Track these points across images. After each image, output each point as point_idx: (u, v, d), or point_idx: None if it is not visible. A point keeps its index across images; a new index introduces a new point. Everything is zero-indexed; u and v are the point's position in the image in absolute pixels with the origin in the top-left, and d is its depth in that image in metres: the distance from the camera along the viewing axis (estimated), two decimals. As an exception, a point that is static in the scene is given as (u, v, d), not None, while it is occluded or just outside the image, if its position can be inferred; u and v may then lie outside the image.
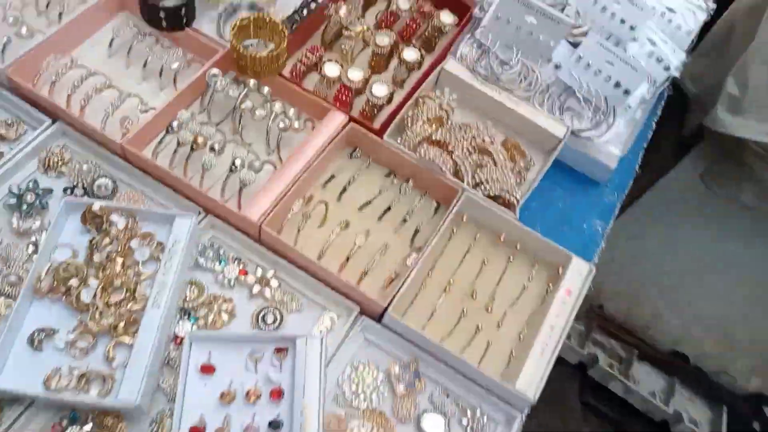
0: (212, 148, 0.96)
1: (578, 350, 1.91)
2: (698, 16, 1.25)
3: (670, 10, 1.25)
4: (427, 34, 1.20)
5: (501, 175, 1.02)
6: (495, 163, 1.03)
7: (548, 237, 1.09)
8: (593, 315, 1.99)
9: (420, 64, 1.15)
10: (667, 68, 1.19)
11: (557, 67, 1.14)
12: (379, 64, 1.17)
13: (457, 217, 1.01)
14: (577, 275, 0.96)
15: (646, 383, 1.90)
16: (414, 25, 1.20)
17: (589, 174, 1.18)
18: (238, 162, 0.96)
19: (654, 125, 1.28)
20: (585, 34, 1.15)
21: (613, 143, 1.13)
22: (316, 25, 1.19)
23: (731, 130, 1.18)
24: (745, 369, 1.87)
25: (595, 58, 1.11)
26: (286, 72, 1.10)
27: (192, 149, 0.97)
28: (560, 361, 1.97)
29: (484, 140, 1.05)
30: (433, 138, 1.04)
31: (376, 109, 1.08)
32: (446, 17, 1.19)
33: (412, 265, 0.92)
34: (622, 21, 1.16)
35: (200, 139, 0.97)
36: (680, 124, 1.44)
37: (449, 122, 1.08)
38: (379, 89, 1.07)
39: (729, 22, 1.24)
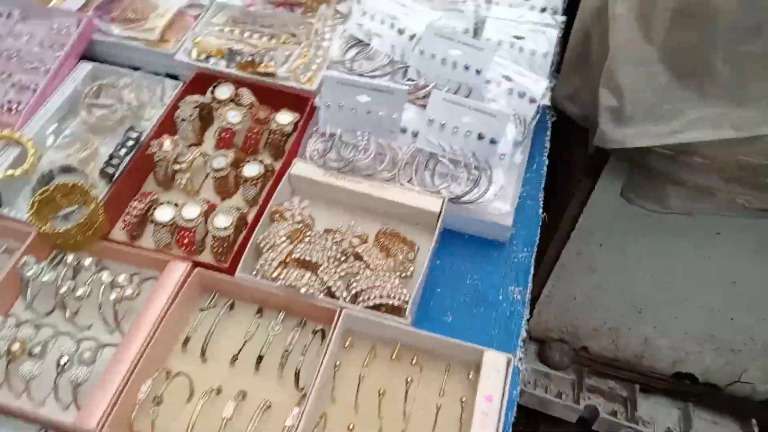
0: (31, 353, 0.81)
1: (574, 406, 1.71)
2: (549, 35, 1.16)
3: (518, 38, 1.16)
4: (271, 140, 1.09)
5: (378, 278, 0.87)
6: (368, 266, 0.89)
7: (463, 325, 0.95)
8: (580, 360, 1.81)
9: (266, 175, 1.03)
10: (532, 100, 1.09)
11: (415, 135, 1.03)
12: (225, 188, 1.05)
13: (343, 341, 0.86)
14: (495, 373, 0.80)
15: (658, 420, 1.70)
16: (254, 136, 1.09)
17: (491, 237, 1.05)
18: (64, 360, 0.80)
19: (546, 161, 1.17)
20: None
21: (500, 198, 1.01)
22: (149, 166, 1.07)
23: (625, 143, 1.08)
24: (758, 372, 1.68)
25: (445, 116, 1.00)
26: (118, 228, 0.98)
27: (9, 362, 0.81)
28: (557, 423, 1.79)
29: (351, 243, 0.92)
30: (294, 256, 0.90)
31: (225, 243, 0.95)
32: (284, 117, 1.09)
33: (293, 423, 0.76)
34: (467, 67, 1.07)
35: (16, 347, 0.82)
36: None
37: (310, 232, 0.95)
38: (221, 220, 0.94)
39: (582, 31, 1.16)
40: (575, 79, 1.20)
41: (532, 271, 1.03)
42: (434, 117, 1.00)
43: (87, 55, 1.25)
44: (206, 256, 0.96)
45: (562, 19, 1.19)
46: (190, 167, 1.03)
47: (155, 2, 1.29)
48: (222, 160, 1.03)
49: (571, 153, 1.38)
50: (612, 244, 1.51)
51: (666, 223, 1.37)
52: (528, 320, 1.78)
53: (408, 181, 1.02)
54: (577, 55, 1.18)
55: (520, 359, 0.92)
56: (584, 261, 1.57)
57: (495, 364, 0.80)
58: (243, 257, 0.90)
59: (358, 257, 0.91)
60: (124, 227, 0.97)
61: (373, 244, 0.94)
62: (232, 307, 0.91)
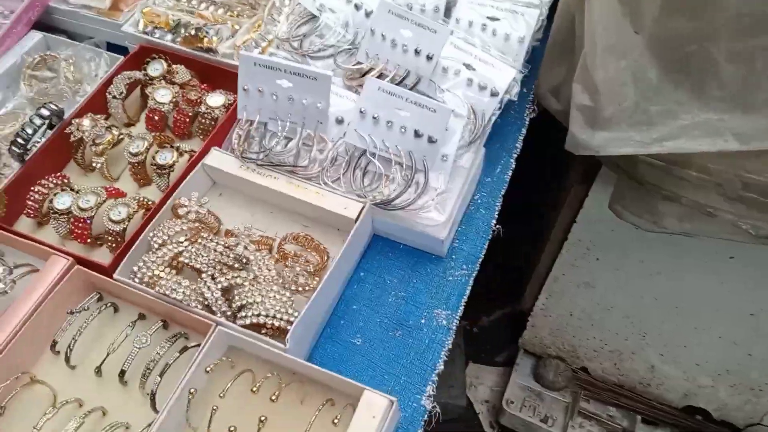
0: None
1: (564, 432, 1.56)
2: (529, 17, 1.00)
3: (493, 19, 1.00)
4: (201, 124, 1.00)
5: (269, 292, 0.77)
6: (256, 278, 0.79)
7: (373, 350, 0.84)
8: (578, 381, 1.65)
9: (180, 164, 0.94)
10: (494, 93, 0.94)
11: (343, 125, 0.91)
12: (143, 176, 0.97)
13: (219, 362, 0.77)
14: (368, 418, 0.68)
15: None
16: (183, 119, 1.01)
17: (426, 249, 0.92)
18: None
19: (513, 164, 1.01)
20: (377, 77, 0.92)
21: (436, 206, 0.87)
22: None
23: (599, 150, 0.90)
24: (783, 414, 1.47)
25: (380, 109, 0.87)
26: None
27: None
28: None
29: (246, 248, 0.82)
30: (181, 259, 0.81)
31: (119, 238, 0.87)
32: (215, 99, 0.99)
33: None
34: (417, 52, 0.93)
35: None
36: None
37: (205, 234, 0.85)
38: (117, 212, 0.87)
39: (567, 13, 0.98)
40: (559, 69, 1.03)
41: (467, 292, 0.89)
42: (366, 108, 0.87)
43: (46, 24, 1.21)
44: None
45: (547, -1, 1.02)
46: (105, 151, 0.96)
47: (111, -32, 1.21)
48: (140, 144, 0.95)
49: (562, 155, 1.21)
50: (610, 259, 1.33)
51: (671, 242, 1.18)
52: (522, 333, 1.63)
53: (334, 181, 0.90)
54: (560, 42, 1.01)
55: (430, 396, 0.80)
56: (580, 275, 1.39)
57: (371, 408, 0.68)
58: (127, 256, 0.82)
59: (248, 265, 0.81)
60: (26, 213, 0.92)
61: (276, 251, 0.84)
62: (116, 309, 0.84)
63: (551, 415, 1.58)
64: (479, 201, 0.97)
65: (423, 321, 0.86)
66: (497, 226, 0.96)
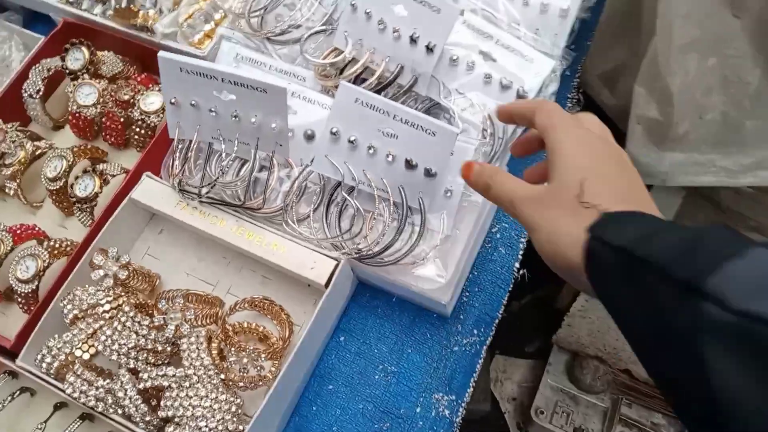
0: None
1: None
2: (576, -20, 0.72)
3: (523, -17, 0.73)
4: (137, 134, 0.79)
5: (208, 393, 0.59)
6: (189, 377, 0.60)
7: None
8: (618, 385, 1.46)
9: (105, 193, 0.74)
10: (522, 95, 0.69)
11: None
12: (67, 203, 0.77)
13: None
14: None
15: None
16: (114, 126, 0.79)
17: (426, 304, 0.71)
18: None
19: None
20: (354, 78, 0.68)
21: (438, 260, 0.66)
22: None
23: (668, 180, 0.65)
24: None
25: (357, 128, 0.64)
26: None
27: None
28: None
29: (178, 329, 0.62)
30: (96, 345, 0.63)
31: (30, 301, 0.69)
32: (151, 101, 0.77)
33: None
34: (414, 40, 0.67)
35: None
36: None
37: (127, 308, 0.66)
38: (25, 267, 0.68)
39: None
40: (616, 50, 0.76)
41: (478, 368, 0.69)
42: (339, 128, 0.64)
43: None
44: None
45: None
46: (18, 173, 0.76)
47: None
48: (57, 165, 0.75)
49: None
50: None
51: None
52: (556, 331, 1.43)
53: (302, 220, 0.69)
54: (621, 15, 0.73)
55: None
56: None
57: None
58: (33, 334, 0.64)
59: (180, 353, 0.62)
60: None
61: (221, 329, 0.64)
62: (33, 394, 0.67)
63: (586, 427, 1.41)
64: (498, 237, 0.75)
65: (418, 409, 0.67)
66: (522, 271, 0.73)
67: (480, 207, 0.68)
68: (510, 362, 1.63)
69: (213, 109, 0.65)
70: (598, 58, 0.77)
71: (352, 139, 0.64)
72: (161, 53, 0.62)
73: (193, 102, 0.65)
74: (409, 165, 0.63)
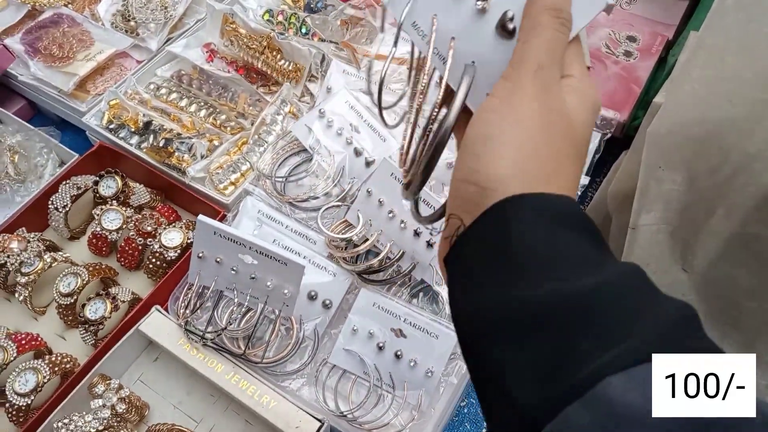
0: None
1: None
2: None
3: None
4: (152, 263, 0.89)
5: None
6: None
7: None
8: None
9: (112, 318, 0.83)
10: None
11: (326, 306, 0.80)
12: (72, 318, 0.86)
13: None
14: None
15: None
16: (131, 252, 0.90)
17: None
18: None
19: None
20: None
21: (418, 427, 0.76)
22: None
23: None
24: None
25: (372, 323, 0.76)
26: None
27: None
28: None
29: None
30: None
31: (21, 415, 0.76)
32: (171, 238, 0.88)
33: None
34: (417, 234, 0.81)
35: None
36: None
37: None
38: (24, 381, 0.76)
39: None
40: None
41: None
42: (358, 324, 0.76)
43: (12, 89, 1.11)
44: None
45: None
46: (31, 284, 0.85)
47: (91, 37, 1.11)
48: (71, 282, 0.84)
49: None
50: None
51: None
52: None
53: (295, 373, 0.79)
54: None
55: None
56: None
57: None
58: (22, 452, 0.71)
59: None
60: None
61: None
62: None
63: None
64: (465, 411, 0.85)
65: None
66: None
67: (455, 387, 0.79)
68: None
69: (234, 268, 0.76)
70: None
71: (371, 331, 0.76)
72: (201, 217, 0.74)
73: (218, 259, 0.77)
74: (397, 356, 0.75)
